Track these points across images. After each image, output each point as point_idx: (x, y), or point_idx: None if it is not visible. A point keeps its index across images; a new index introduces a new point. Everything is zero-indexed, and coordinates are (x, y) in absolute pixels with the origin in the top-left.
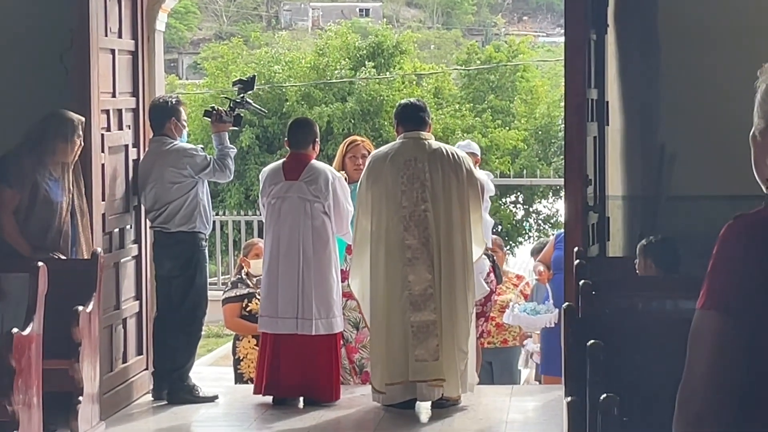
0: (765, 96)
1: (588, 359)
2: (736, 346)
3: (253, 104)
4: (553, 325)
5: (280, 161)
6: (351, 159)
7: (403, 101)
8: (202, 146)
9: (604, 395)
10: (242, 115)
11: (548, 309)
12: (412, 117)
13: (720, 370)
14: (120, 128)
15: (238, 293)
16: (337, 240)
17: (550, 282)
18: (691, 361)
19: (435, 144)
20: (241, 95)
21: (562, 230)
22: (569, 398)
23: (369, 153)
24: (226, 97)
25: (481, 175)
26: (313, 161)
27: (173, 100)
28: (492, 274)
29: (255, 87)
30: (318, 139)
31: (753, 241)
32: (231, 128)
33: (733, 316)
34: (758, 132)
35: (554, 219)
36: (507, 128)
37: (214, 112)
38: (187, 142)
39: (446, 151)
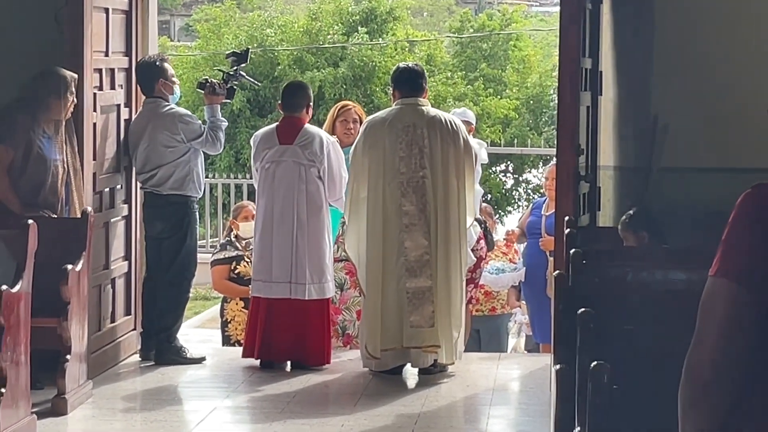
0: None
1: (578, 327)
2: (747, 316)
3: (247, 77)
4: (517, 284)
5: (273, 125)
6: (342, 123)
7: (401, 65)
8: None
9: (595, 363)
10: (235, 88)
11: (514, 269)
12: (409, 82)
13: (729, 339)
14: (112, 88)
15: (226, 255)
16: (332, 210)
17: (526, 246)
18: (700, 329)
19: (432, 111)
20: (235, 68)
21: (539, 199)
22: (558, 366)
23: (360, 118)
24: (219, 69)
25: (474, 143)
26: (307, 125)
27: (157, 60)
28: (482, 241)
29: (248, 59)
30: (311, 104)
31: None
32: (224, 101)
33: (746, 285)
34: None
35: (544, 189)
36: (498, 97)
37: (208, 84)
38: (178, 103)
39: (444, 119)
